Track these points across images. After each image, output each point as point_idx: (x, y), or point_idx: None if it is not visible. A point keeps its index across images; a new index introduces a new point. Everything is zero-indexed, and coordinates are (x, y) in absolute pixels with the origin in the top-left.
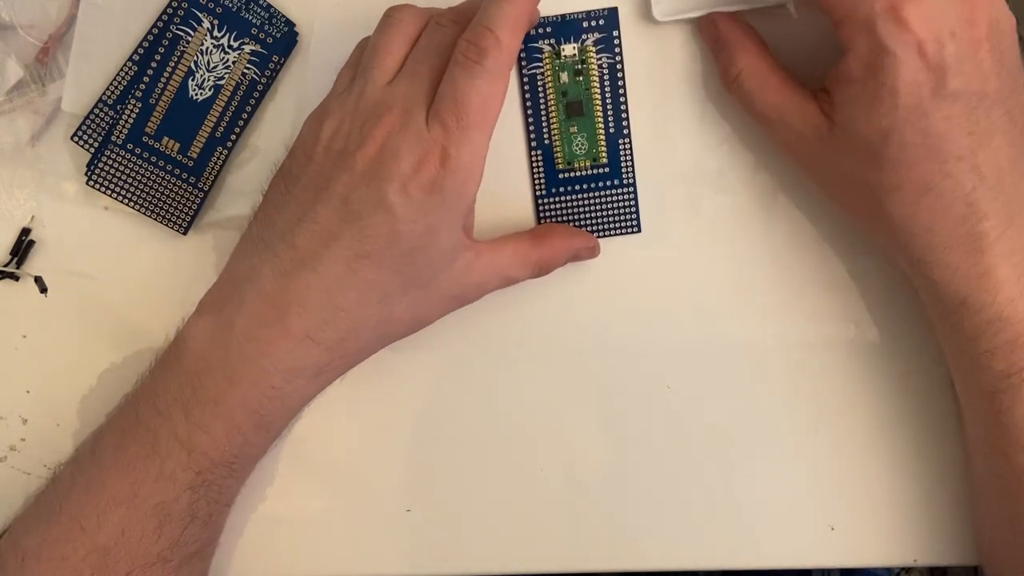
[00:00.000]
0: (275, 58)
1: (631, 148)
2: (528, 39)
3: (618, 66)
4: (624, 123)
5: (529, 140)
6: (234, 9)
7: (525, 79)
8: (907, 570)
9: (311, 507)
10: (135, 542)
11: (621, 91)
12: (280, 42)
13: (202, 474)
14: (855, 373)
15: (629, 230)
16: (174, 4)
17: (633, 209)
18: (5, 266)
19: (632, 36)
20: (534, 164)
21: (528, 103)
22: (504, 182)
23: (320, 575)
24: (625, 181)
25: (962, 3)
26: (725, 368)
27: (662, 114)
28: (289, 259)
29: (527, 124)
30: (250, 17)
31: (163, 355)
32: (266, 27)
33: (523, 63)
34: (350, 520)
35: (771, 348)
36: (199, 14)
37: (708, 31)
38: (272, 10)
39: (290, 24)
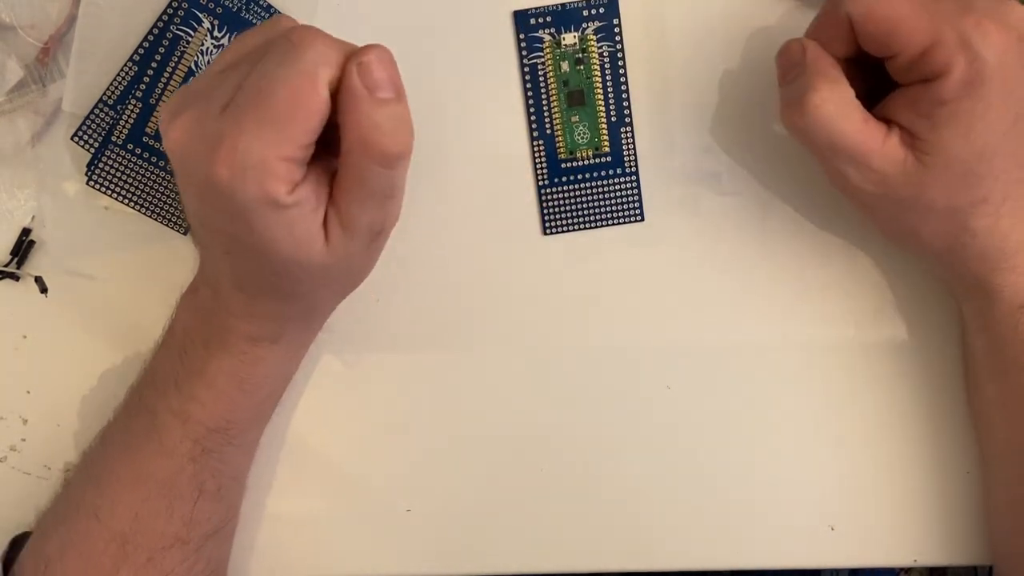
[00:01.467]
0: None
1: (633, 137)
2: (528, 29)
3: (619, 54)
4: (626, 112)
5: (531, 130)
6: (234, 9)
7: (526, 69)
8: (907, 570)
9: (311, 507)
10: (149, 524)
11: (622, 79)
12: None
13: (199, 443)
14: (854, 373)
15: (633, 219)
16: (174, 4)
17: (636, 198)
18: (5, 266)
19: (632, 24)
20: (536, 154)
21: (529, 93)
22: (506, 173)
23: (320, 575)
24: (628, 170)
25: (1012, 2)
26: (725, 368)
27: (663, 103)
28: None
29: (528, 114)
30: (250, 17)
31: (161, 336)
32: None
33: (523, 53)
34: (350, 520)
35: (771, 348)
36: (199, 14)
37: (792, 54)
38: (272, 10)
39: None
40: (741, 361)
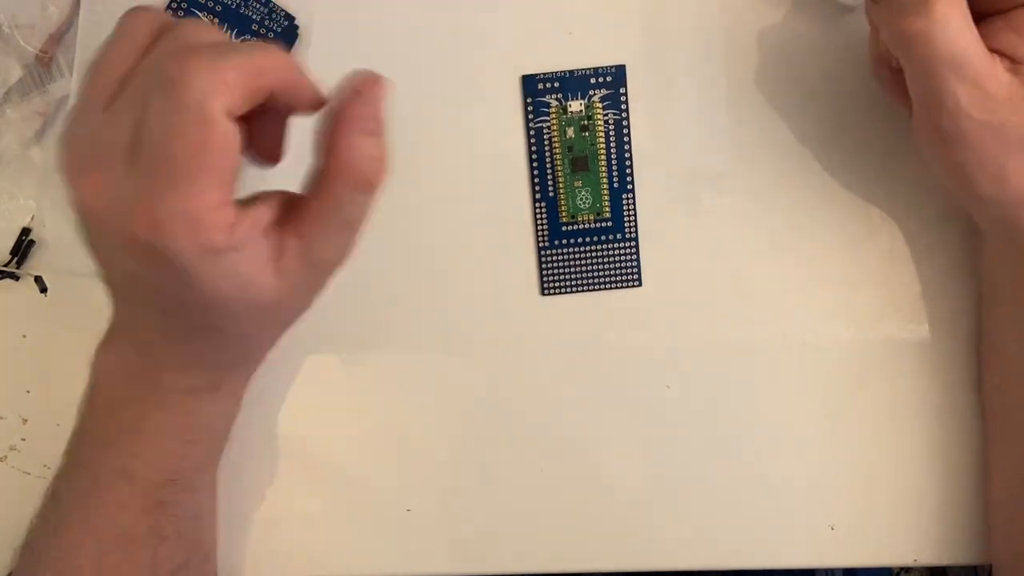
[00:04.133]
0: None
1: (635, 204)
2: (535, 93)
3: (624, 123)
4: (628, 179)
5: (534, 192)
6: (233, 6)
7: (532, 132)
8: (906, 570)
9: (311, 507)
10: (112, 574)
11: (626, 147)
12: (280, 37)
13: (150, 496)
14: (854, 373)
15: (630, 284)
16: (174, 4)
17: (635, 264)
18: (5, 266)
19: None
20: (538, 216)
21: (534, 156)
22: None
23: (320, 575)
24: (627, 236)
25: None
26: (724, 368)
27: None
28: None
29: (532, 176)
30: (250, 13)
31: (87, 387)
32: (266, 22)
33: (530, 117)
34: (350, 520)
35: (771, 348)
36: (199, 13)
37: None
38: (272, 5)
39: (290, 18)
40: (741, 361)
